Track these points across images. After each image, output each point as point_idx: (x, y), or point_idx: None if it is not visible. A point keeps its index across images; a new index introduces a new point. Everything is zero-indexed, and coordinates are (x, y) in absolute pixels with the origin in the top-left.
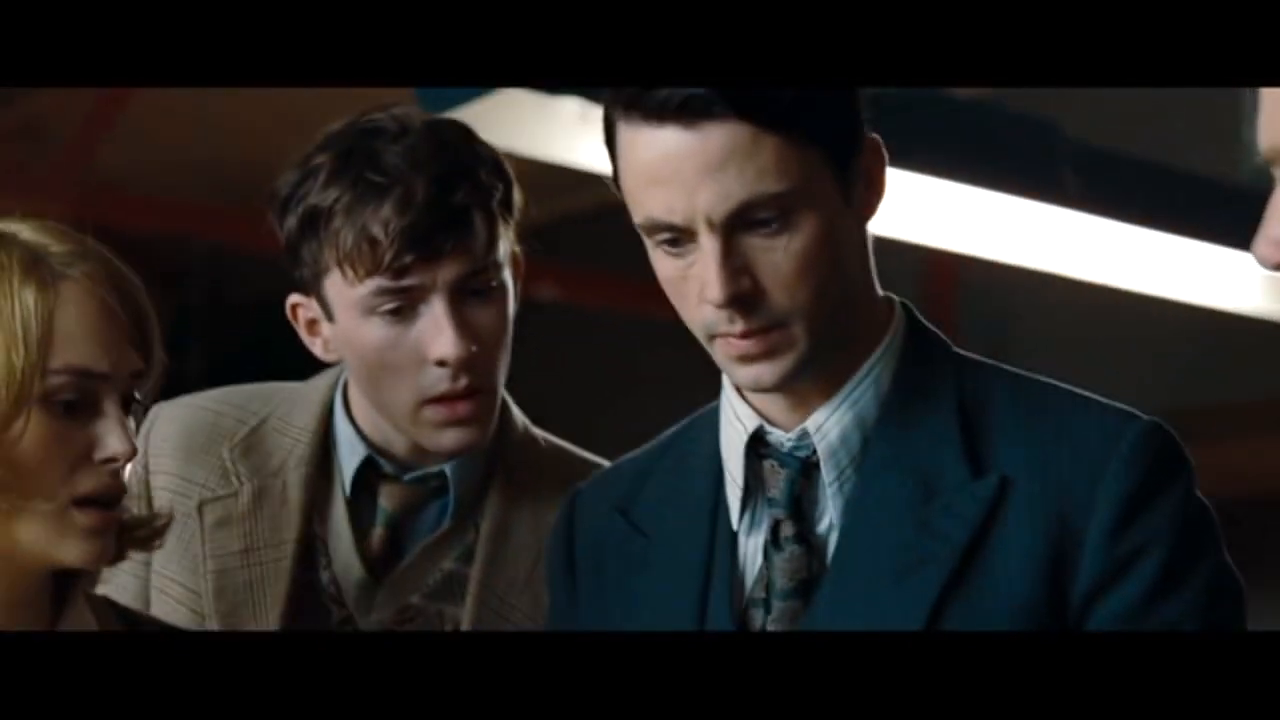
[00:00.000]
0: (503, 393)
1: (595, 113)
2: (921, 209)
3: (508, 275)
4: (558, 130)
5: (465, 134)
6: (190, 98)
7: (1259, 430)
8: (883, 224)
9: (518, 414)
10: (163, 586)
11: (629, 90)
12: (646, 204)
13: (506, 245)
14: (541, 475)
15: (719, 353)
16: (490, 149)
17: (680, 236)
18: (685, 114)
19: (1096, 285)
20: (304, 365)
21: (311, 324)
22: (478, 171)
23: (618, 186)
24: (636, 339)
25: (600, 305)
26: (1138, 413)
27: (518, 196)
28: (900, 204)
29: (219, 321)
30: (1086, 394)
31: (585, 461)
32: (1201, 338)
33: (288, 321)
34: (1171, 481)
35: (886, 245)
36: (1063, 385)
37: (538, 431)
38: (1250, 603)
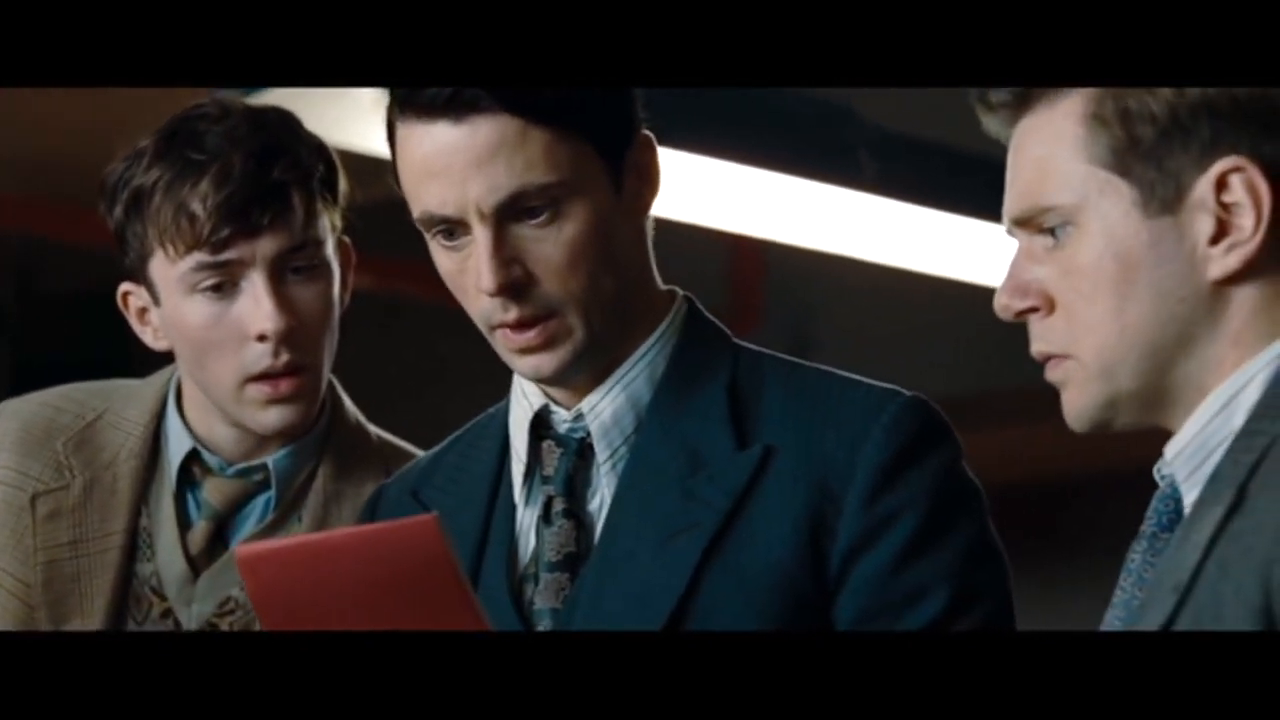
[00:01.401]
0: (334, 383)
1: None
2: (721, 194)
3: (331, 256)
4: (355, 116)
5: (286, 117)
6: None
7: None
8: (683, 209)
9: (350, 407)
10: None
11: (403, 89)
12: (422, 198)
13: (329, 225)
14: (367, 470)
15: (499, 344)
16: (313, 135)
17: (455, 229)
18: (454, 109)
19: (901, 269)
20: (115, 358)
21: (142, 312)
22: (297, 150)
23: (399, 185)
24: (438, 327)
25: (399, 292)
26: (901, 390)
27: (343, 183)
28: (700, 189)
29: (29, 314)
30: (857, 377)
31: (414, 457)
32: (1002, 321)
33: (99, 315)
34: (930, 452)
35: (689, 231)
36: (835, 371)
37: (371, 427)
38: (1031, 583)
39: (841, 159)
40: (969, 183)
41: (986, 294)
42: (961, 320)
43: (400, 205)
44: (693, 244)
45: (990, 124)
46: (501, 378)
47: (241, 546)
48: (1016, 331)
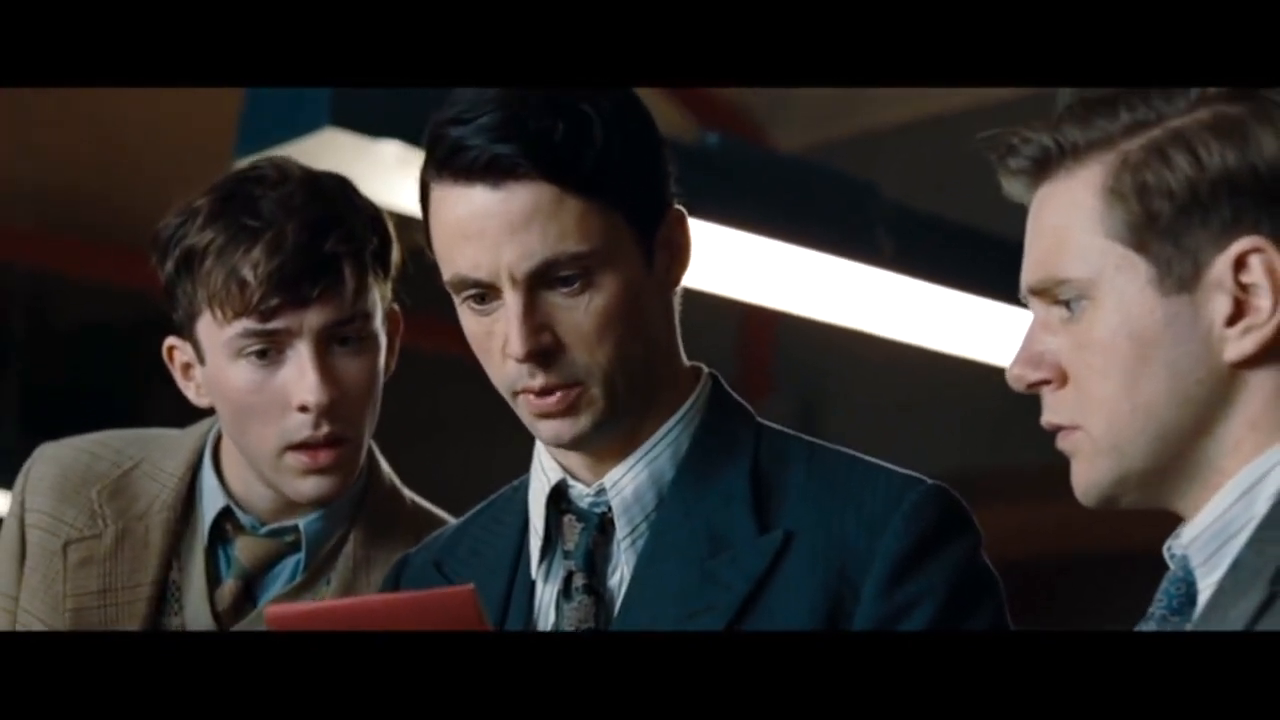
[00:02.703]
0: (373, 447)
1: (416, 156)
2: (738, 264)
3: (379, 328)
4: (377, 173)
5: (343, 185)
6: (13, 122)
7: (1070, 491)
8: (700, 278)
9: (387, 470)
10: (26, 622)
11: (439, 151)
12: (455, 261)
13: (379, 298)
14: (399, 536)
15: (522, 409)
16: (369, 203)
17: (486, 293)
18: (491, 174)
19: (910, 345)
20: (122, 391)
21: (186, 367)
22: (351, 222)
23: (430, 247)
24: (442, 378)
25: (413, 344)
26: (924, 477)
27: (396, 253)
28: (717, 259)
29: (40, 347)
30: (880, 462)
31: (445, 524)
32: (1011, 398)
33: (107, 347)
34: (949, 542)
35: (704, 299)
36: (859, 455)
37: (406, 491)
38: None
39: (860, 235)
40: (985, 263)
41: (995, 372)
42: (968, 397)
43: (414, 257)
44: (703, 311)
45: (1011, 188)
46: (501, 429)
47: (273, 607)
48: (1019, 411)
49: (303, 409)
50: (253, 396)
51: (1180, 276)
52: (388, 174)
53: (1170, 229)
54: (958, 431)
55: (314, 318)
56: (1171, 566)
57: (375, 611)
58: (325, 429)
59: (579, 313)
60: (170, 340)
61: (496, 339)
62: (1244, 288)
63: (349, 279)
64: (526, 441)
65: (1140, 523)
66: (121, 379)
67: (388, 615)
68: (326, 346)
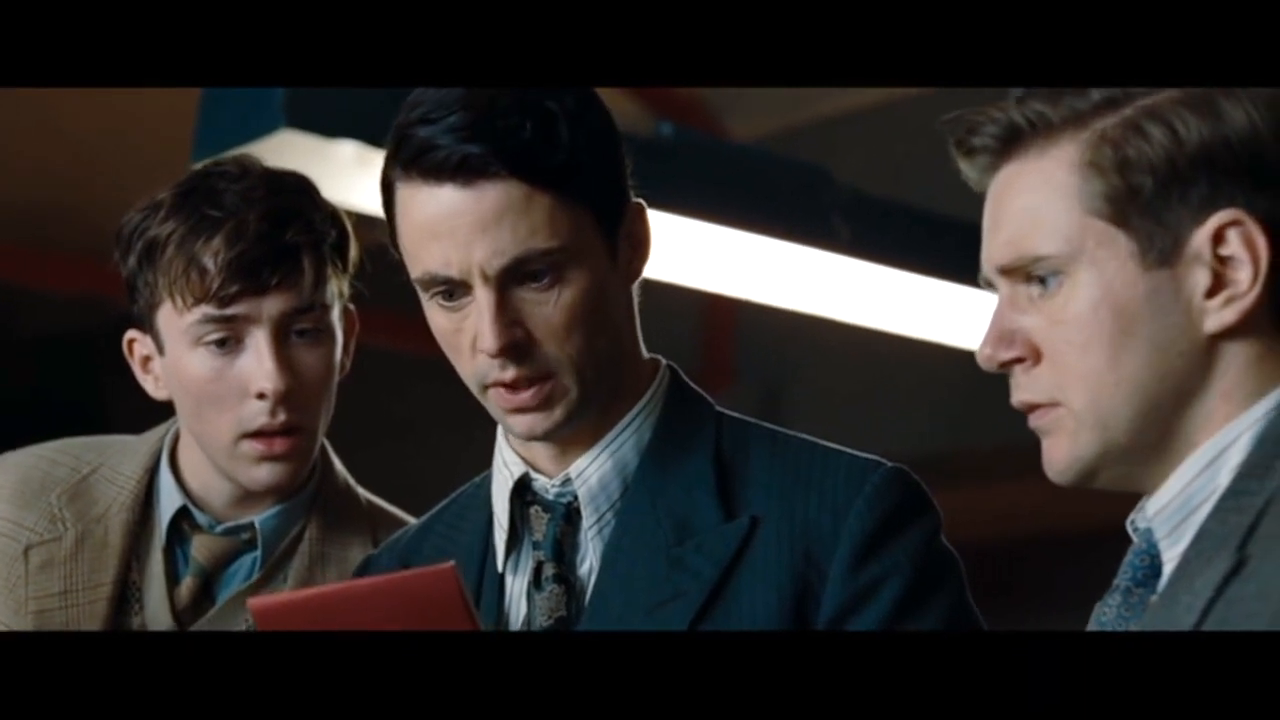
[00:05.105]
0: (326, 445)
1: (372, 156)
2: (696, 254)
3: (336, 321)
4: (334, 173)
5: (304, 183)
6: None
7: (1031, 472)
8: (658, 269)
9: (340, 469)
10: None
11: (407, 151)
12: (424, 259)
13: (336, 292)
14: (354, 533)
15: (493, 404)
16: (328, 203)
17: (456, 290)
18: (462, 173)
19: (871, 330)
20: (87, 404)
21: (145, 360)
22: (311, 215)
23: (395, 245)
24: (407, 376)
25: (375, 343)
26: (883, 460)
27: (353, 251)
28: (675, 249)
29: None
30: (839, 447)
31: (401, 522)
32: (973, 382)
33: (70, 360)
34: (912, 522)
35: (663, 290)
36: (818, 441)
37: (361, 490)
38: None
39: (816, 221)
40: (942, 246)
41: (954, 354)
42: (929, 380)
43: (372, 256)
44: (662, 302)
45: (969, 169)
46: (467, 428)
47: (256, 599)
48: (979, 393)
49: (260, 396)
50: (211, 385)
51: (1161, 250)
52: (345, 174)
53: (1152, 204)
54: (919, 415)
55: (272, 305)
56: (1135, 540)
57: (359, 595)
58: (281, 417)
59: (549, 307)
60: (130, 333)
61: (466, 335)
62: (1222, 260)
63: (308, 269)
64: (491, 440)
65: (1099, 502)
66: (80, 387)
67: (371, 597)
68: (284, 336)
